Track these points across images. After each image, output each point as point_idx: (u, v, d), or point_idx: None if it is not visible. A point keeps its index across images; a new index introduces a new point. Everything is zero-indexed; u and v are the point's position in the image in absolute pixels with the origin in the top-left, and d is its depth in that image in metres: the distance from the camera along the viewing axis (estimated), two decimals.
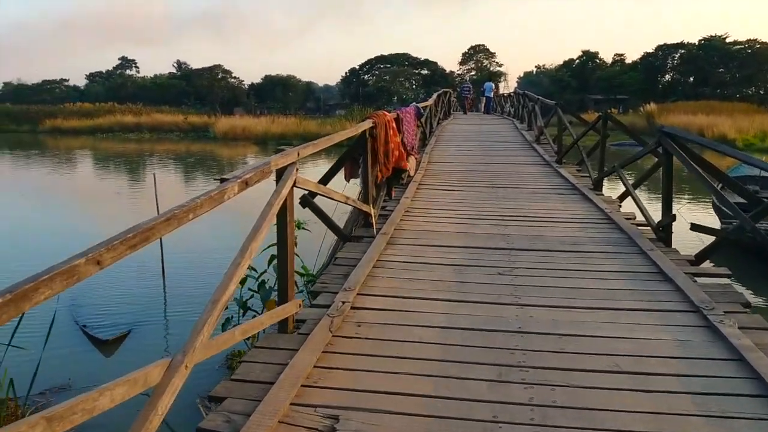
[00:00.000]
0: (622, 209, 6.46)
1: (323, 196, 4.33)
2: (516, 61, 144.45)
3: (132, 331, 6.28)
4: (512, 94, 26.48)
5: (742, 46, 54.68)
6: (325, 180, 5.42)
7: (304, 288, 5.21)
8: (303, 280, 5.24)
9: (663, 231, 4.85)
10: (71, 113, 52.06)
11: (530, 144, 12.93)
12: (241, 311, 4.98)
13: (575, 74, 62.42)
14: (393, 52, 69.88)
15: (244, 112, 55.04)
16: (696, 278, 3.97)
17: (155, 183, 8.73)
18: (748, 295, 5.44)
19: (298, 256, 4.93)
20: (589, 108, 49.13)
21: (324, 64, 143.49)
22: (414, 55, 69.41)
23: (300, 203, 5.22)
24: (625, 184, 6.40)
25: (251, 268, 4.65)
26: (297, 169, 3.06)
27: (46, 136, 45.64)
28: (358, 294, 3.68)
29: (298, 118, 42.89)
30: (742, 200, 5.13)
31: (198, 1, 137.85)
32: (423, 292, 3.75)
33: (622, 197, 6.92)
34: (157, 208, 8.17)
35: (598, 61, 63.68)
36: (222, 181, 2.28)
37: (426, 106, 13.19)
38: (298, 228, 4.55)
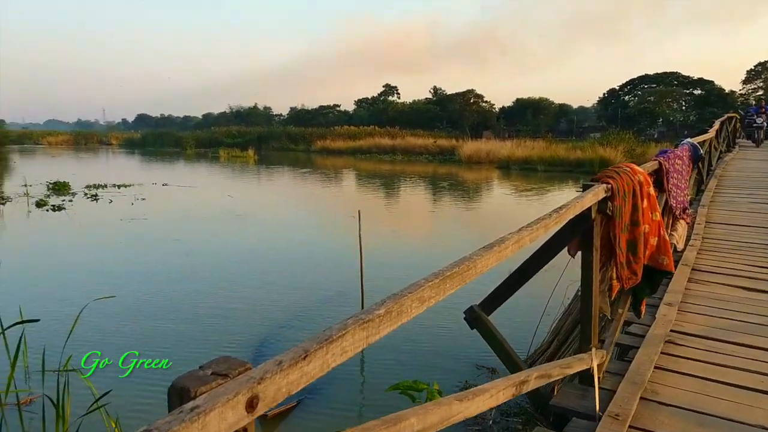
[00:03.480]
0: None
1: None
2: None
3: (302, 402, 4.84)
4: None
5: None
6: (546, 253, 3.15)
7: None
8: None
9: None
10: (338, 135, 58.27)
11: None
12: None
13: None
14: (659, 71, 61.12)
15: (492, 135, 54.28)
16: None
17: (359, 221, 7.87)
18: None
19: None
20: None
21: (579, 85, 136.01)
22: (684, 73, 59.57)
23: (465, 319, 3.26)
24: None
25: None
26: None
27: (316, 155, 52.04)
28: None
29: (547, 141, 39.89)
30: None
31: (458, 31, 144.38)
32: None
33: None
34: (360, 247, 7.56)
35: None
36: None
37: (706, 140, 9.68)
38: None
